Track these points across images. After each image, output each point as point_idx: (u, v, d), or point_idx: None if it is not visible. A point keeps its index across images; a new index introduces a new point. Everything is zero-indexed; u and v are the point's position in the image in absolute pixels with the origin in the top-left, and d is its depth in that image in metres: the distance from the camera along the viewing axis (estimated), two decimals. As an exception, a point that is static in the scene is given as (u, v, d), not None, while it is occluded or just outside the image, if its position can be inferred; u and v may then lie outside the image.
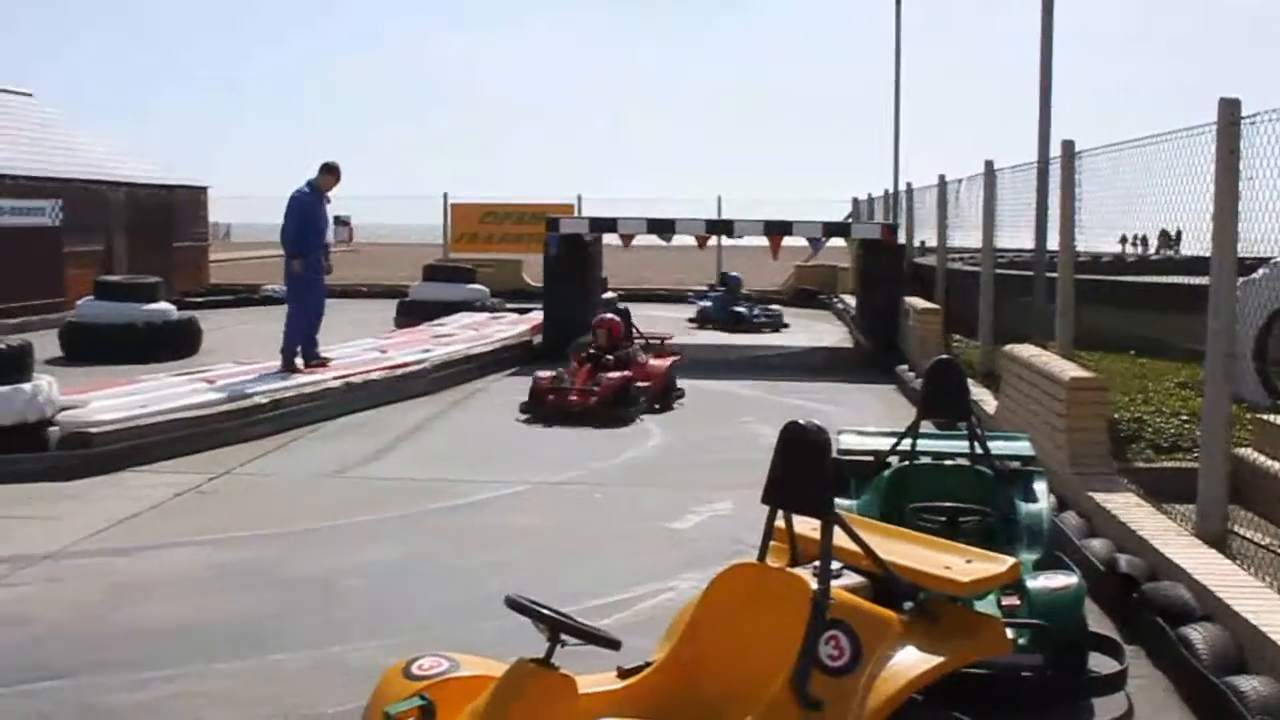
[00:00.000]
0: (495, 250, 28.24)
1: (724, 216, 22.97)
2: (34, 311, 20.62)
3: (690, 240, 19.02)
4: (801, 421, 3.84)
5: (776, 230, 17.26)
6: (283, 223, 12.90)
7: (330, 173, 13.08)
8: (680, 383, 13.17)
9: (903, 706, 3.55)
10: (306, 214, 12.83)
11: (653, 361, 12.97)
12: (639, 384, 12.19)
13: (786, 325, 21.80)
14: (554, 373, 12.19)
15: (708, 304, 22.50)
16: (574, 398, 11.72)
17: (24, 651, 5.60)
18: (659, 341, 14.42)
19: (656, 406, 12.36)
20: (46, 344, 12.21)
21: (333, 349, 14.17)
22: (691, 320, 21.85)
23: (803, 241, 18.22)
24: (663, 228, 17.55)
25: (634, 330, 13.73)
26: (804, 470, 3.82)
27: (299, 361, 12.73)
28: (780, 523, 4.03)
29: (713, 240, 22.37)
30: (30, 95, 26.61)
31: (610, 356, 12.53)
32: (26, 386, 9.48)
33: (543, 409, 11.75)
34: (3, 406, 9.27)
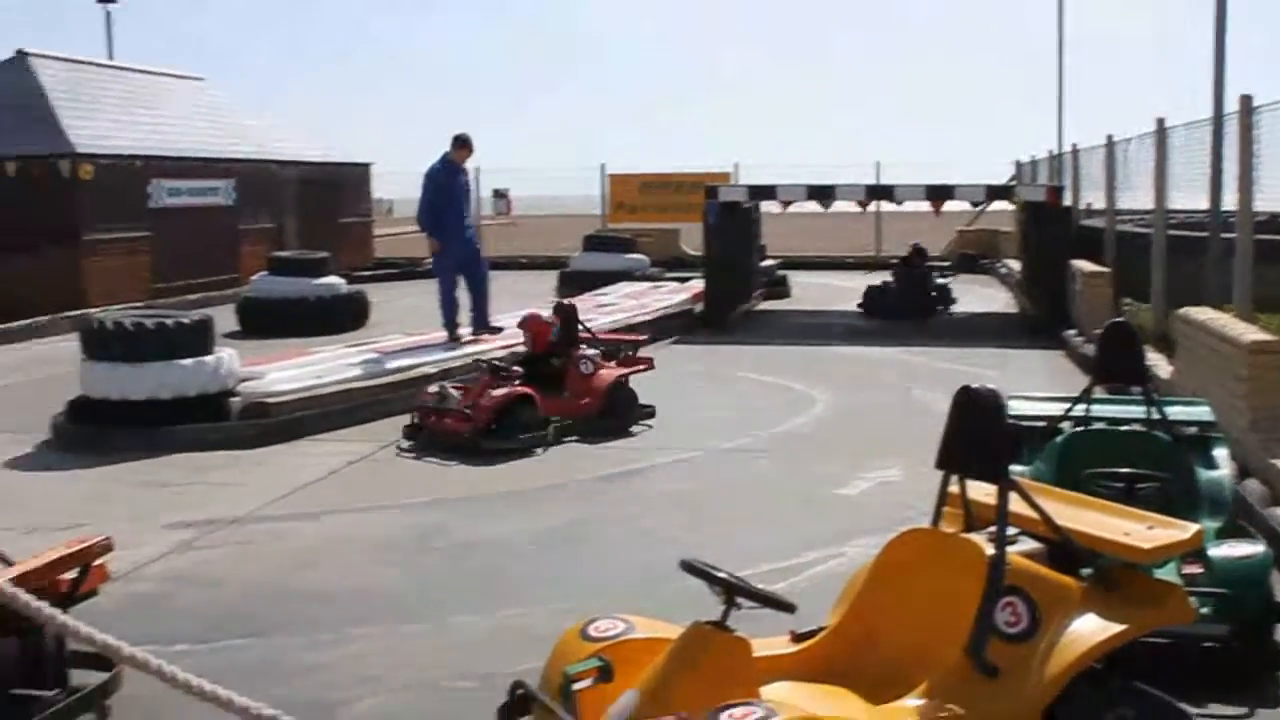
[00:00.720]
0: (653, 220, 28.32)
1: (884, 181, 22.68)
2: (212, 287, 21.40)
3: (849, 206, 18.85)
4: (976, 385, 3.82)
5: (938, 195, 17.01)
6: (419, 199, 13.05)
7: (462, 145, 12.98)
8: (838, 349, 12.82)
9: (1081, 675, 3.52)
10: (439, 189, 12.83)
11: (602, 372, 9.97)
12: (582, 401, 9.64)
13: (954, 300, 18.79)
14: (438, 388, 9.54)
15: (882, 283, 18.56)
16: (449, 420, 9.15)
17: (214, 611, 5.87)
18: (624, 348, 10.83)
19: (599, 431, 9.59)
20: (224, 318, 12.67)
21: (497, 319, 14.40)
22: (860, 306, 18.34)
23: (963, 206, 17.90)
24: (822, 194, 17.40)
25: (578, 331, 10.43)
26: (979, 435, 3.80)
27: (463, 331, 12.96)
28: (954, 488, 4.00)
29: (872, 206, 22.10)
30: (203, 80, 27.50)
31: (556, 360, 10.03)
32: (209, 359, 9.87)
33: (424, 434, 9.34)
34: (188, 378, 9.67)
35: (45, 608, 2.68)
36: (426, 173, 12.95)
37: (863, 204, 18.68)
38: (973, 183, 17.57)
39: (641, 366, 10.56)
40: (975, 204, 17.35)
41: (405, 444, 9.32)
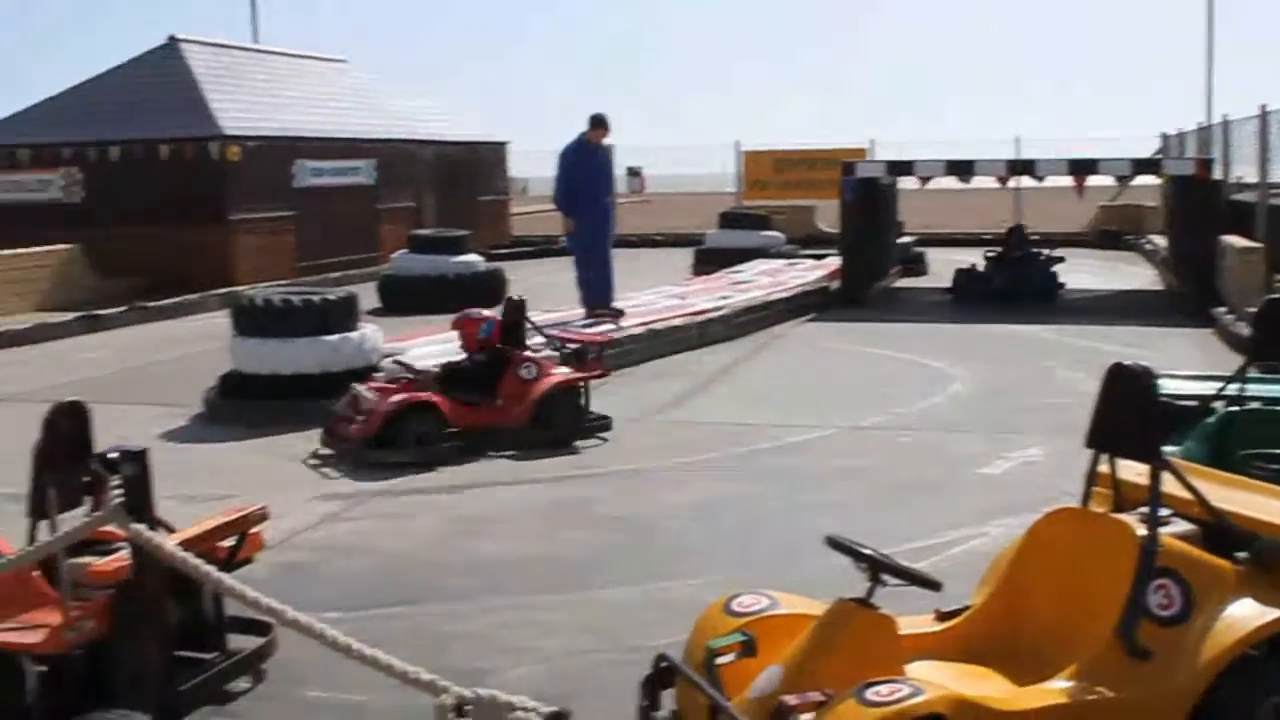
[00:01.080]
0: (788, 197, 28.16)
1: (1024, 157, 22.24)
2: (353, 265, 21.85)
3: (989, 182, 18.53)
4: (1127, 362, 3.75)
5: (1081, 169, 16.61)
6: (555, 179, 13.06)
7: (598, 125, 12.85)
8: (977, 326, 12.64)
9: (1237, 660, 3.45)
10: (573, 168, 12.80)
11: (544, 379, 8.80)
12: (511, 410, 8.60)
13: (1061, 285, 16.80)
14: (352, 390, 8.67)
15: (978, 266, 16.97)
16: (343, 426, 8.49)
17: (369, 580, 6.03)
18: (584, 347, 9.65)
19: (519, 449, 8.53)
20: (365, 296, 12.95)
21: (632, 296, 14.49)
22: (949, 292, 16.87)
23: (1107, 181, 17.46)
24: (961, 169, 17.10)
25: (526, 329, 9.55)
26: (1131, 413, 3.73)
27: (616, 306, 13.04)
28: (1104, 467, 3.94)
29: (1012, 182, 21.69)
30: (345, 61, 28.01)
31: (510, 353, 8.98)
32: (354, 335, 10.10)
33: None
34: (334, 353, 9.90)
35: (214, 572, 2.79)
36: (561, 152, 12.96)
37: (1003, 179, 18.33)
38: (1117, 156, 17.14)
39: (595, 373, 9.35)
40: (1120, 179, 16.90)
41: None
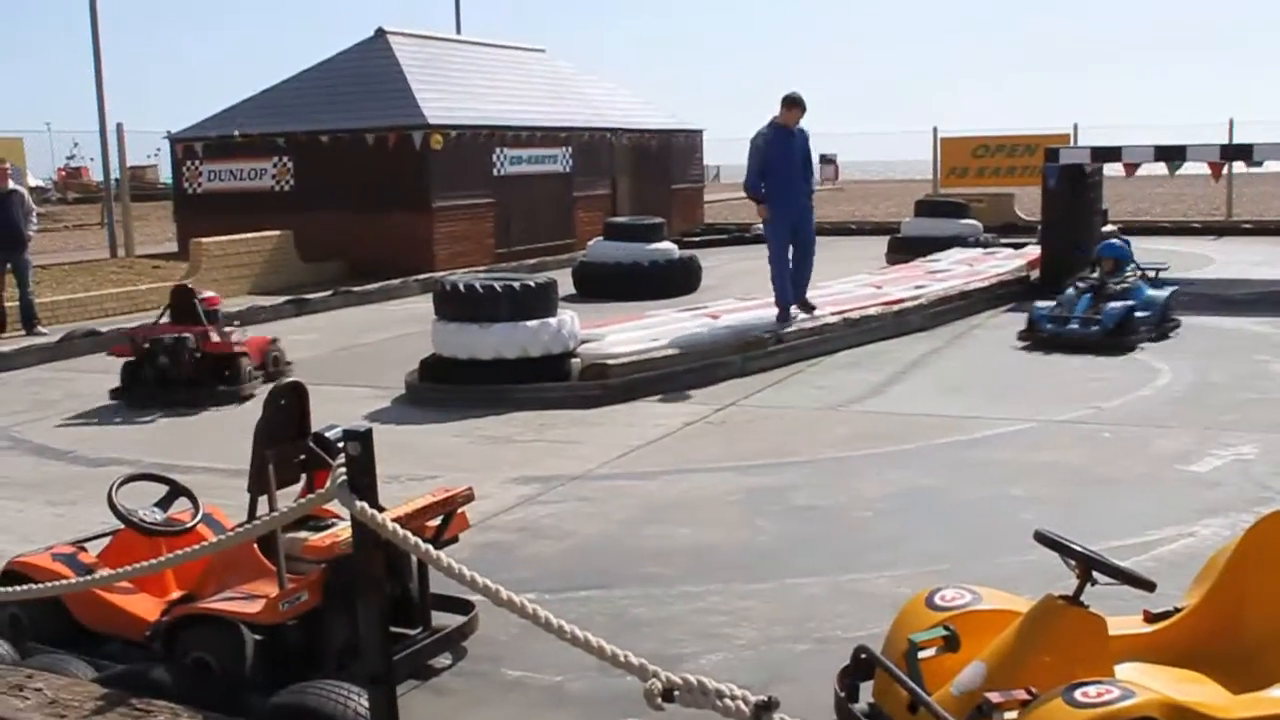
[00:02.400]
0: (986, 184, 27.61)
1: (1239, 141, 21.33)
2: (549, 252, 22.24)
3: (1201, 169, 17.83)
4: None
5: (1303, 153, 15.85)
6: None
7: (791, 105, 12.13)
8: (1185, 318, 12.37)
9: None
10: (761, 153, 12.15)
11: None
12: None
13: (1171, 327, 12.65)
14: None
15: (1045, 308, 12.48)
16: None
17: (561, 562, 6.12)
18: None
19: None
20: (561, 282, 13.12)
21: (828, 285, 14.38)
22: (1023, 337, 12.25)
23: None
24: (1171, 155, 16.46)
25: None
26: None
27: (794, 310, 12.25)
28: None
29: (1226, 169, 20.81)
30: (543, 51, 28.45)
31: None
32: (552, 321, 10.26)
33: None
34: (533, 338, 10.08)
35: (431, 550, 2.88)
36: (752, 137, 12.50)
37: (1216, 166, 17.59)
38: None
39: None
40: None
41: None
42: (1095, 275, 12.62)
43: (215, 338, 10.69)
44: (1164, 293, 12.56)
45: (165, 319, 10.98)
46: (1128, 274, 12.66)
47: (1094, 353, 11.29)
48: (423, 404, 10.05)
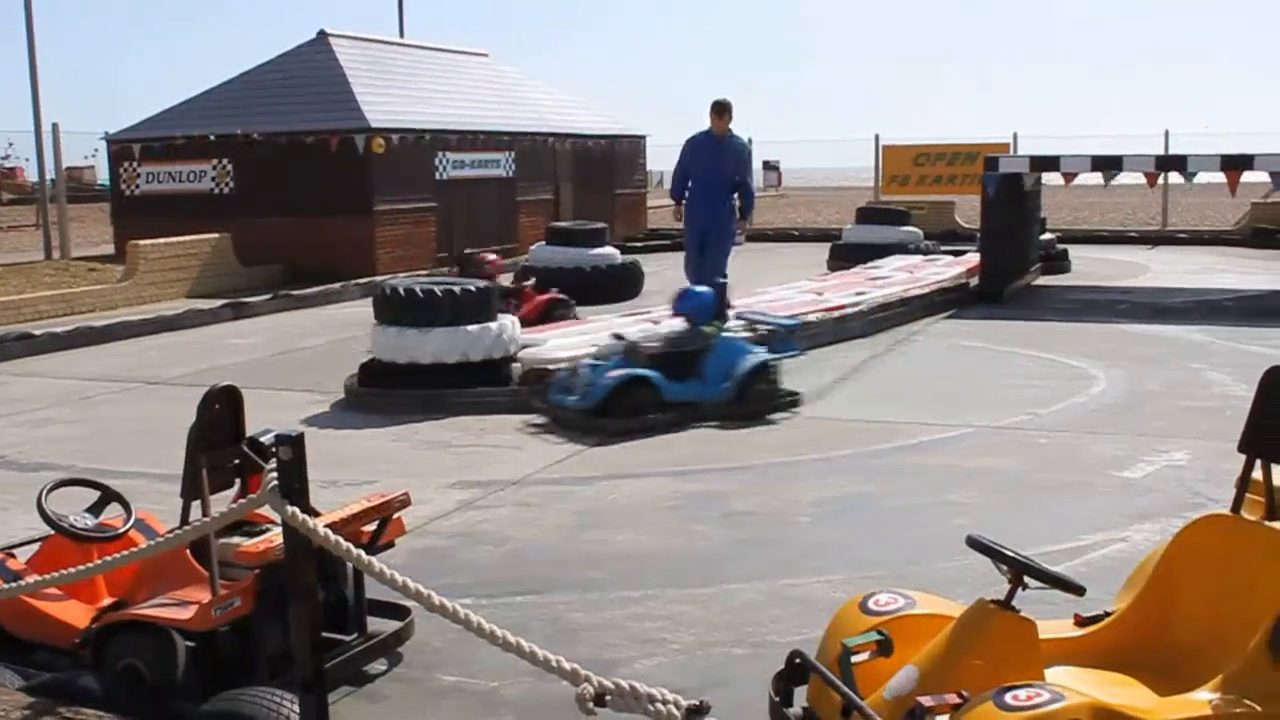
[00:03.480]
0: (927, 192, 27.85)
1: (1174, 152, 21.64)
2: (492, 256, 22.15)
3: (1137, 179, 18.09)
4: (1287, 367, 3.64)
5: (1235, 165, 16.08)
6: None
7: (717, 112, 11.86)
8: (1122, 325, 12.43)
9: (1395, 674, 3.33)
10: (685, 158, 12.04)
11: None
12: None
13: None
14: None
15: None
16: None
17: (502, 568, 6.10)
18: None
19: None
20: (505, 287, 13.15)
21: (769, 290, 14.43)
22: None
23: (1261, 177, 16.92)
24: (1108, 165, 16.68)
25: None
26: (1288, 418, 3.62)
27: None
28: (1258, 473, 3.83)
29: (1161, 179, 21.12)
30: (487, 55, 28.38)
31: None
32: (493, 325, 10.22)
33: None
34: (473, 343, 10.04)
35: (363, 555, 2.86)
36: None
37: (1151, 176, 17.84)
38: (1275, 152, 16.55)
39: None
40: (1276, 174, 16.34)
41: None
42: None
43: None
44: (753, 359, 9.53)
45: None
46: (725, 328, 10.19)
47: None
48: (362, 409, 9.98)
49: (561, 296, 13.72)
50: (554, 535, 6.62)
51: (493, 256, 13.11)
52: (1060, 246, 20.72)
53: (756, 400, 9.37)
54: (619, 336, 9.90)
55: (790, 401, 9.61)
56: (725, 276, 11.93)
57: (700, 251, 12.04)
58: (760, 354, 9.68)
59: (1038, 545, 5.92)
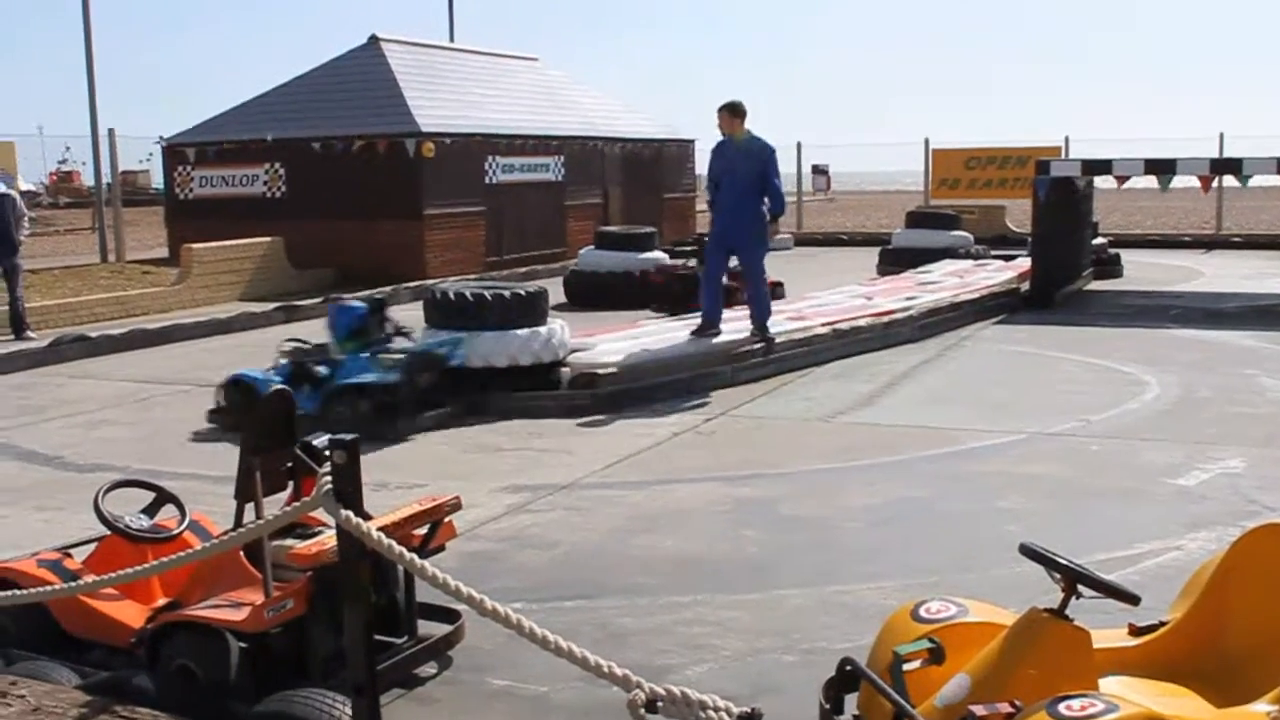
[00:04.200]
0: (978, 196, 27.69)
1: (1229, 154, 21.41)
2: (540, 261, 22.25)
3: (1191, 182, 17.91)
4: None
5: (1294, 168, 15.90)
6: None
7: (726, 114, 11.54)
8: (1174, 331, 12.26)
9: None
10: (711, 162, 11.85)
11: None
12: None
13: None
14: None
15: None
16: None
17: (551, 572, 6.11)
18: None
19: None
20: (551, 291, 13.10)
21: (818, 295, 14.39)
22: None
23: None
24: (1161, 168, 16.53)
25: None
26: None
27: (724, 327, 11.67)
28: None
29: (1215, 181, 20.88)
30: (536, 60, 28.47)
31: None
32: (542, 329, 10.26)
33: None
34: (523, 347, 10.08)
35: (416, 559, 2.87)
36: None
37: (1206, 179, 17.65)
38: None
39: None
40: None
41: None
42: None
43: None
44: (347, 382, 9.45)
45: None
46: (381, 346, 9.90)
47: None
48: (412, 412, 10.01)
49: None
50: (603, 539, 6.63)
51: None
52: (1112, 251, 20.55)
53: (355, 421, 8.65)
54: (294, 341, 10.08)
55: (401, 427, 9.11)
56: (765, 276, 11.80)
57: (718, 253, 11.79)
58: (367, 378, 9.29)
59: (1090, 553, 5.87)
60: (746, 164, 11.44)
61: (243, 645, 4.38)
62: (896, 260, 20.01)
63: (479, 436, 9.18)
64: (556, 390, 10.16)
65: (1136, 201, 37.48)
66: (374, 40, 23.38)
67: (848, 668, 3.61)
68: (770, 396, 10.49)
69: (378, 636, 4.59)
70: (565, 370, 10.34)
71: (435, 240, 20.83)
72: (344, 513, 3.17)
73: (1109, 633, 3.80)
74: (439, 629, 4.95)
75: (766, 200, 11.57)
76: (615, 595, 5.74)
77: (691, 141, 29.60)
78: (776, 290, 14.14)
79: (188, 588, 4.79)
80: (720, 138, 11.71)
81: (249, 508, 4.73)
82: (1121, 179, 17.18)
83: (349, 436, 3.35)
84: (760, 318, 11.60)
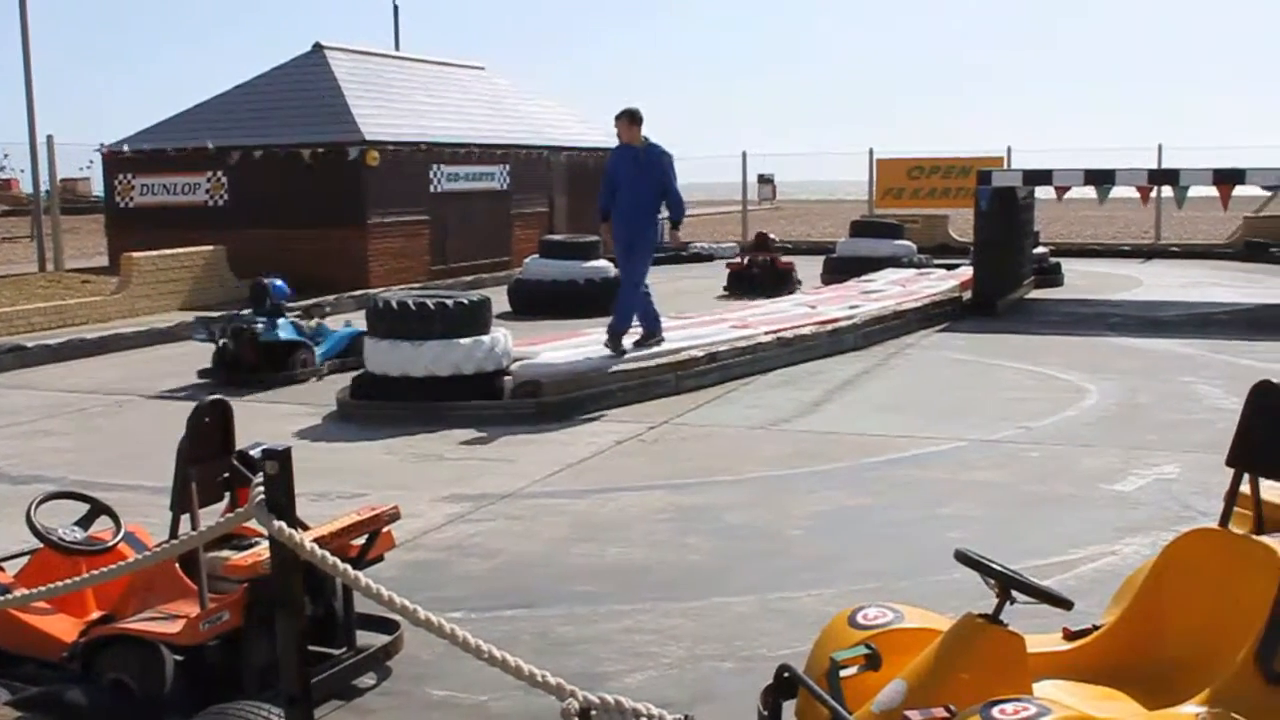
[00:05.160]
0: (921, 205, 27.92)
1: (1167, 166, 21.71)
2: (485, 269, 22.19)
3: (1130, 192, 18.13)
4: (1275, 380, 3.64)
5: (1227, 179, 16.12)
6: None
7: (624, 122, 11.30)
8: (1113, 339, 12.48)
9: (1382, 689, 3.32)
10: (609, 171, 11.47)
11: None
12: None
13: None
14: None
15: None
16: None
17: (492, 581, 6.09)
18: None
19: None
20: (496, 300, 13.07)
21: (762, 304, 14.43)
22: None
23: (1254, 191, 16.97)
24: (1101, 179, 16.75)
25: None
26: (1276, 432, 3.62)
27: (627, 341, 11.30)
28: (1246, 487, 3.83)
29: (1154, 192, 21.17)
30: (483, 69, 28.41)
31: None
32: (485, 338, 10.23)
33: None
34: (465, 356, 10.05)
35: (350, 570, 2.85)
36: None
37: (1144, 190, 17.90)
38: (1267, 166, 16.60)
39: None
40: (1268, 188, 16.41)
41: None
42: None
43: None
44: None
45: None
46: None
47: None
48: (354, 421, 9.99)
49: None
50: (546, 548, 6.61)
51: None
52: (1053, 260, 20.80)
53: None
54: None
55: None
56: (646, 286, 11.51)
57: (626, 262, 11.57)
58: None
59: (1029, 559, 5.94)
60: (646, 171, 11.22)
61: (178, 658, 4.34)
62: (841, 269, 20.12)
63: (422, 445, 9.13)
64: (500, 399, 10.13)
65: (1077, 211, 37.91)
66: (318, 48, 23.23)
67: (785, 674, 3.62)
68: (714, 404, 10.51)
69: (316, 647, 4.56)
70: (508, 379, 10.31)
71: (379, 249, 20.71)
72: (276, 523, 3.14)
73: (1043, 637, 3.84)
74: (378, 639, 4.92)
75: (667, 209, 11.46)
76: (557, 604, 5.73)
77: (637, 150, 29.57)
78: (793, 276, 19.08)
79: (122, 600, 4.73)
80: (616, 147, 11.48)
81: (185, 519, 4.68)
82: (1061, 189, 17.39)
83: (282, 446, 3.32)
84: (617, 327, 11.27)
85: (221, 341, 12.04)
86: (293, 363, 12.08)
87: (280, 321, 12.31)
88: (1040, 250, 20.61)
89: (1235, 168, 16.23)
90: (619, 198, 11.32)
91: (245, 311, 12.51)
